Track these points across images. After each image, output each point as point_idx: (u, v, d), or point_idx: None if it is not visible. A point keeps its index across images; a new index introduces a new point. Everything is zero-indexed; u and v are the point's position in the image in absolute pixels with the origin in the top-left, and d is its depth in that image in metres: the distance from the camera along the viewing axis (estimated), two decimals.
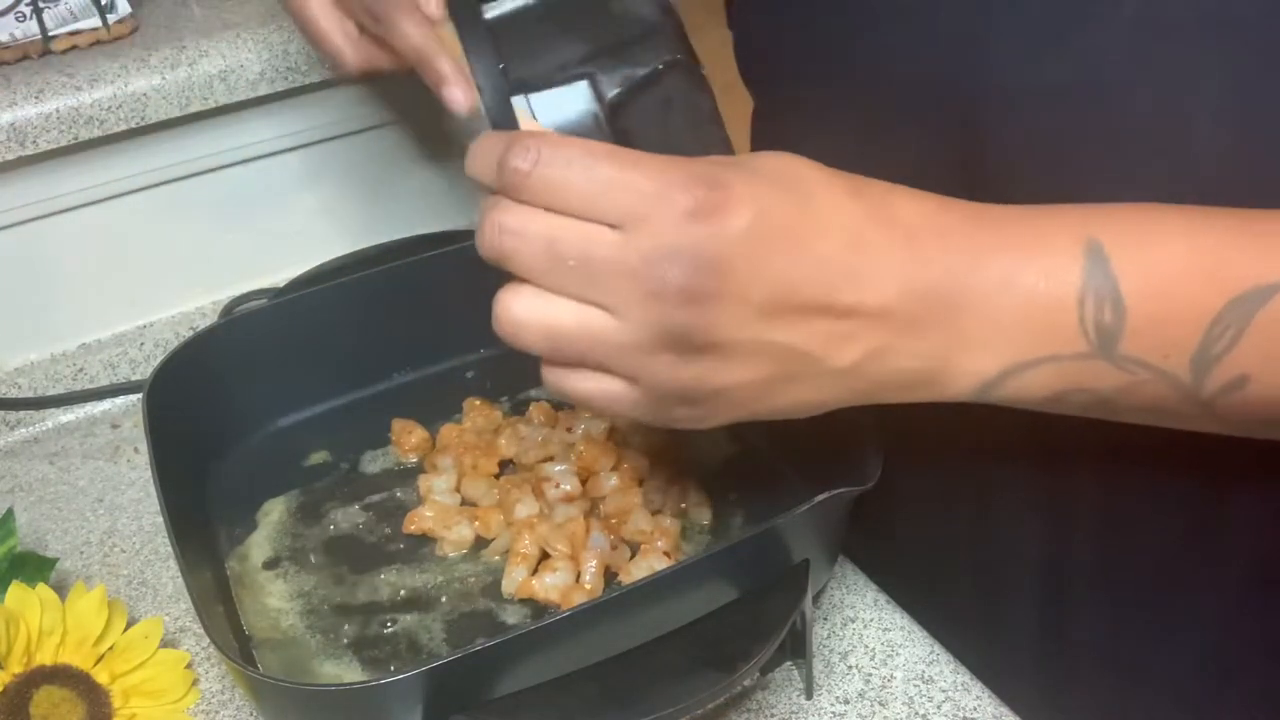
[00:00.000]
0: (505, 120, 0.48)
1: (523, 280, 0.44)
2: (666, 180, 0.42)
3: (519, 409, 0.80)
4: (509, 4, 0.50)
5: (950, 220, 0.46)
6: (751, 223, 0.42)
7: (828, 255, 0.43)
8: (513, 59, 0.49)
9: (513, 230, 0.43)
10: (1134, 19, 0.49)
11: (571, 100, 0.49)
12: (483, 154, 0.44)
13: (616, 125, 0.50)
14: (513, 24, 0.49)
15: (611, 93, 0.50)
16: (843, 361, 0.45)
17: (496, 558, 0.70)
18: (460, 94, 0.59)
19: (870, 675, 0.65)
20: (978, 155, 0.56)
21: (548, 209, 0.42)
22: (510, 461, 0.76)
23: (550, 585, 0.66)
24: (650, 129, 0.50)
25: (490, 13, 0.49)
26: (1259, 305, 0.42)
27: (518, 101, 0.49)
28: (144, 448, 0.81)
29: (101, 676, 0.62)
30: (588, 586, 0.67)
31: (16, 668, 0.60)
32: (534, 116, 0.49)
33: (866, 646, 0.66)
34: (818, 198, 0.44)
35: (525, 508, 0.71)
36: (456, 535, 0.71)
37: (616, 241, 0.42)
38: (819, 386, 0.46)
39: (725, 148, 0.52)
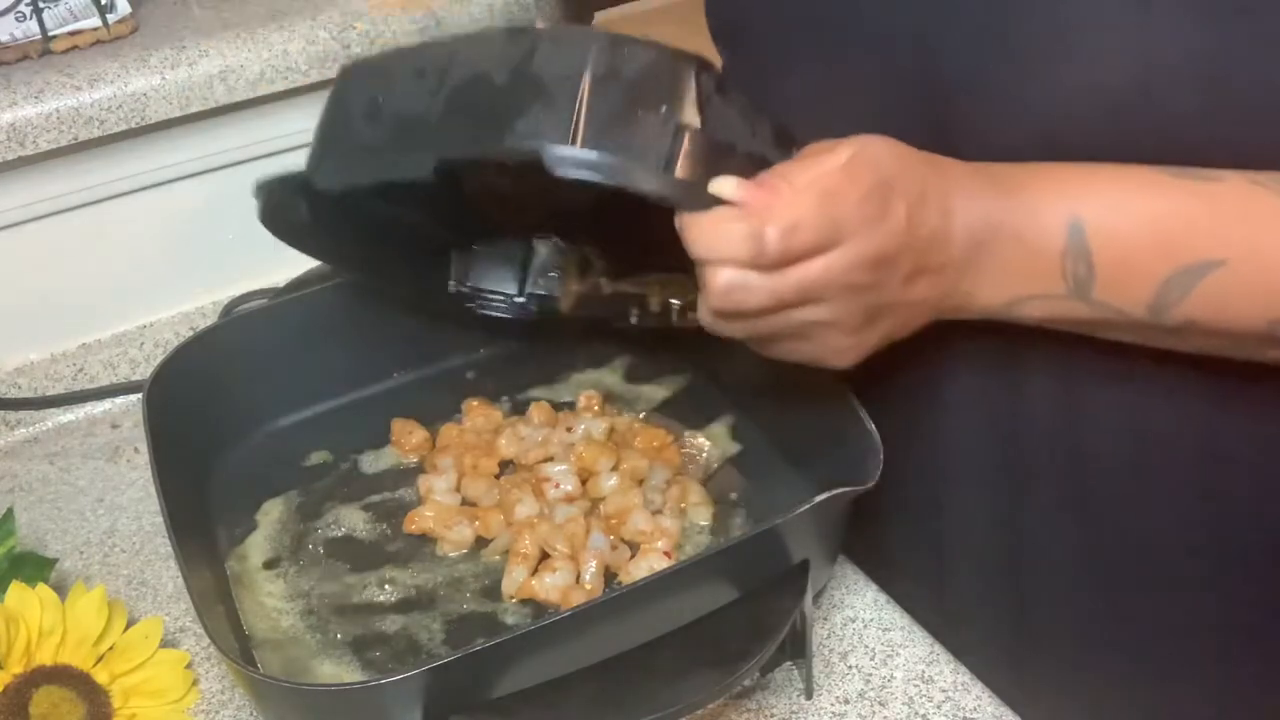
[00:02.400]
0: (702, 203, 0.53)
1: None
2: (856, 199, 0.51)
3: (519, 409, 0.80)
4: (589, 127, 0.54)
5: (984, 182, 0.55)
6: (905, 213, 0.52)
7: (933, 226, 0.53)
8: (626, 156, 0.54)
9: (746, 288, 0.52)
10: None
11: (699, 150, 0.54)
12: (720, 239, 0.51)
13: (718, 146, 0.55)
14: (603, 132, 0.54)
15: (697, 124, 0.55)
16: (932, 302, 0.56)
17: (496, 558, 0.70)
18: None
19: (870, 675, 0.65)
20: (944, 111, 0.59)
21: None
22: (510, 461, 0.76)
23: (550, 585, 0.66)
24: (729, 128, 0.56)
25: (584, 142, 0.54)
26: (1202, 275, 0.53)
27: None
28: (144, 448, 0.81)
29: (101, 676, 0.62)
30: (588, 586, 0.67)
31: (16, 668, 0.60)
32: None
33: (866, 646, 0.66)
34: (918, 176, 0.53)
35: (525, 508, 0.71)
36: (456, 535, 0.71)
37: (823, 263, 0.51)
38: (916, 321, 0.57)
39: (761, 111, 0.58)
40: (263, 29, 0.89)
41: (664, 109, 0.55)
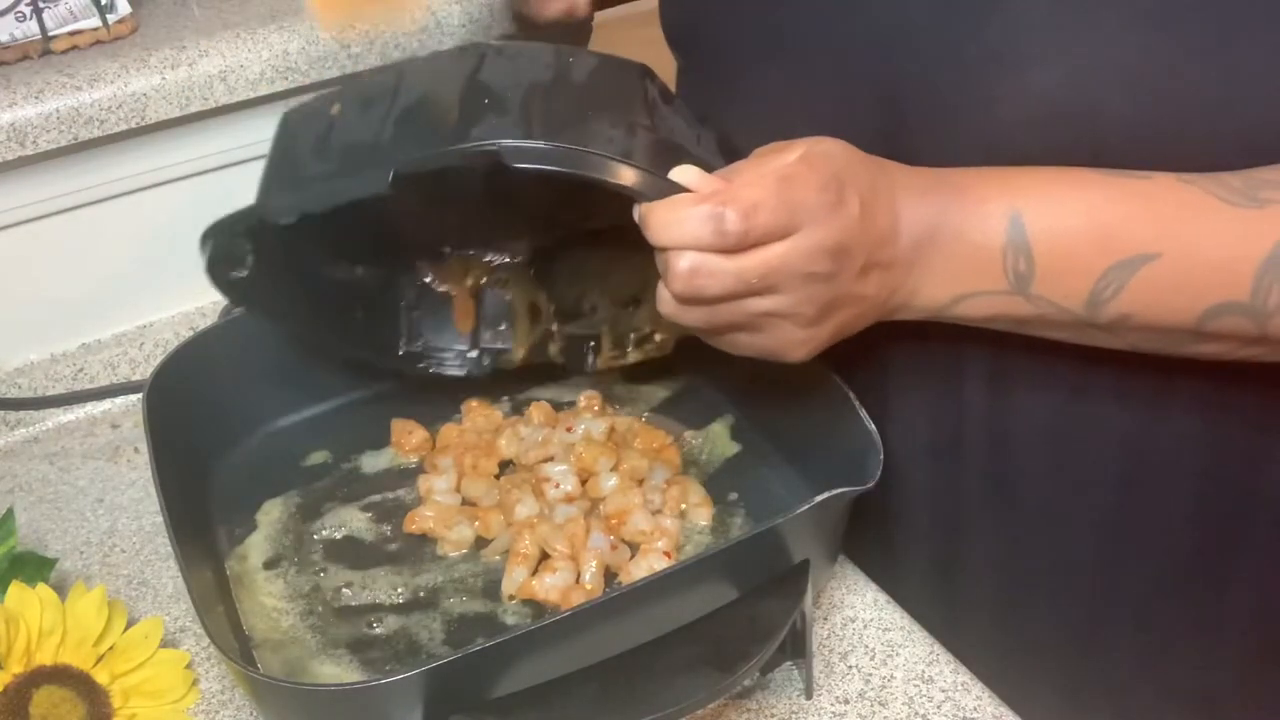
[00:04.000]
0: (660, 193, 0.54)
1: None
2: (815, 187, 0.52)
3: (519, 409, 0.80)
4: (544, 124, 0.55)
5: (928, 182, 0.57)
6: (859, 206, 0.53)
7: (882, 223, 0.55)
8: (583, 148, 0.55)
9: (709, 272, 0.52)
10: None
11: (653, 145, 0.56)
12: (680, 223, 0.52)
13: (669, 146, 0.56)
14: (558, 130, 0.55)
15: (648, 123, 0.57)
16: (880, 299, 0.57)
17: (496, 558, 0.70)
18: None
19: (870, 675, 0.65)
20: (896, 118, 0.60)
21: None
22: (510, 461, 0.76)
23: (550, 585, 0.66)
24: (677, 134, 0.57)
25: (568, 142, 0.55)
26: (1137, 269, 0.54)
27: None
28: (144, 448, 0.81)
29: (101, 676, 0.62)
30: (588, 586, 0.67)
31: (16, 668, 0.60)
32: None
33: (866, 646, 0.66)
34: (868, 174, 0.55)
35: (525, 508, 0.71)
36: (456, 535, 0.71)
37: (784, 249, 0.52)
38: (866, 317, 0.58)
39: (705, 123, 0.60)
40: (263, 29, 0.89)
41: (615, 109, 0.56)
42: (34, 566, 0.68)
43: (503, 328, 0.76)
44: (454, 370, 0.77)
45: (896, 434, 0.67)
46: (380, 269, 0.74)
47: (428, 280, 0.75)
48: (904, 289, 0.57)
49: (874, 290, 0.56)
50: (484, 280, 0.75)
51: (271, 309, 0.71)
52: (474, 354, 0.77)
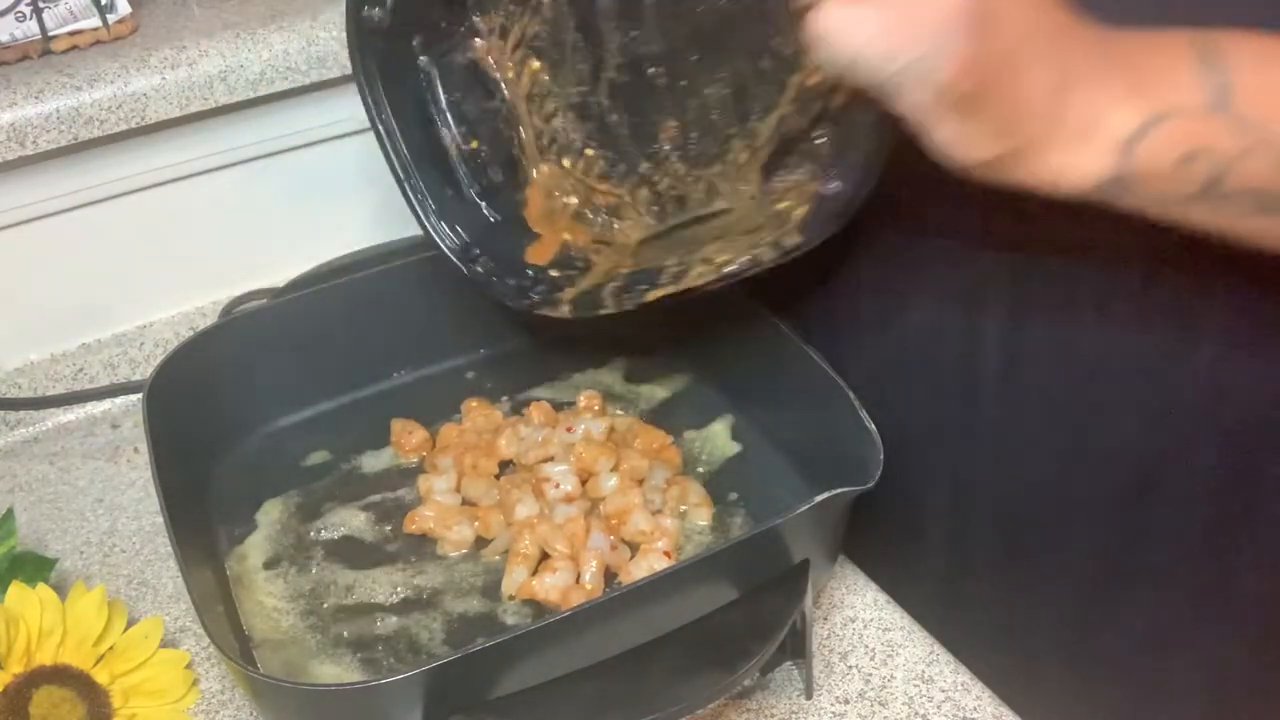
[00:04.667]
0: None
1: None
2: None
3: (519, 409, 0.80)
4: None
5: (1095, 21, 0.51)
6: None
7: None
8: None
9: None
10: None
11: None
12: None
13: None
14: None
15: None
16: (1060, 45, 0.50)
17: (496, 558, 0.70)
18: None
19: (870, 675, 0.65)
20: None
21: None
22: (510, 461, 0.76)
23: (550, 585, 0.66)
24: None
25: None
26: None
27: None
28: (144, 448, 0.81)
29: (101, 676, 0.62)
30: (588, 587, 0.67)
31: (16, 668, 0.60)
32: None
33: (866, 646, 0.66)
34: None
35: (525, 508, 0.71)
36: (456, 535, 0.71)
37: None
38: (1035, 41, 0.49)
39: None
40: (263, 29, 0.89)
41: None
42: (34, 566, 0.68)
43: (565, 273, 0.72)
44: (501, 287, 0.72)
45: (893, 433, 0.67)
46: (501, 178, 0.73)
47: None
48: (1082, 95, 0.50)
49: (1048, 18, 0.49)
50: (583, 242, 0.73)
51: (387, 112, 0.72)
52: (526, 283, 0.72)
